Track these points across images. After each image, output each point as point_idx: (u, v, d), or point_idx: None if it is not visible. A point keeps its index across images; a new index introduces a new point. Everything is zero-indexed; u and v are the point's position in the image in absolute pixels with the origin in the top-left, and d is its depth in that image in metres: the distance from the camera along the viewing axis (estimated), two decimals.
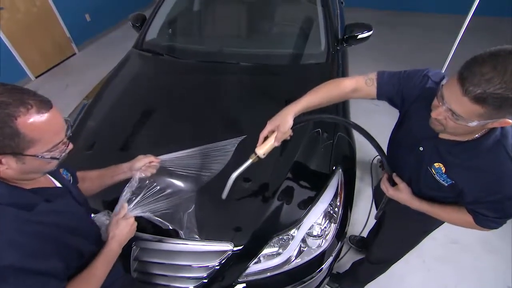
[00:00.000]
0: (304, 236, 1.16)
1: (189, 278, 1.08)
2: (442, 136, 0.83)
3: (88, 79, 2.06)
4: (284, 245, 1.16)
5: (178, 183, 1.06)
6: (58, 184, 0.78)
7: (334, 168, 1.33)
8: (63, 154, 0.68)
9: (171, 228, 1.00)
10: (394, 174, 1.01)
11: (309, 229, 1.16)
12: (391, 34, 4.40)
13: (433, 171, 0.87)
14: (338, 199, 1.24)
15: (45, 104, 0.61)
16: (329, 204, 1.20)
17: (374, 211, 2.06)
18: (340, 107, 1.60)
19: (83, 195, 0.87)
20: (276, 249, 1.15)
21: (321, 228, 1.17)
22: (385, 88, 0.94)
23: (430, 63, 3.34)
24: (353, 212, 2.09)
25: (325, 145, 1.41)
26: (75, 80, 3.77)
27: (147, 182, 0.99)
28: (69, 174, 0.88)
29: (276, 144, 0.96)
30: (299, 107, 0.95)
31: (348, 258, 1.89)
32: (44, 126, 0.60)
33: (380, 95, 0.96)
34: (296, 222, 1.15)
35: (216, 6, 2.24)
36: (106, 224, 0.88)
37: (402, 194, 0.98)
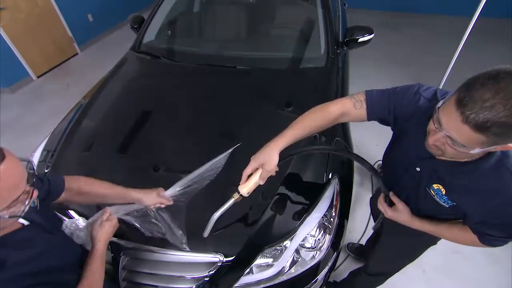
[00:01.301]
0: (297, 247, 1.13)
1: None
2: (440, 157, 0.78)
3: (89, 79, 2.06)
4: (277, 256, 1.12)
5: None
6: (24, 221, 0.69)
7: (330, 176, 1.29)
8: (26, 208, 0.58)
9: (150, 235, 0.99)
10: (391, 193, 0.94)
11: (303, 240, 1.13)
12: (394, 35, 4.34)
13: (433, 192, 0.83)
14: (333, 210, 1.20)
15: None
16: (324, 215, 1.17)
17: (373, 220, 2.03)
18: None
19: (51, 214, 0.82)
20: (269, 260, 1.12)
21: (315, 239, 1.14)
22: (375, 108, 0.88)
23: (433, 65, 3.31)
24: (351, 219, 2.05)
25: (322, 152, 1.37)
26: (76, 81, 3.77)
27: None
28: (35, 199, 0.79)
29: (261, 183, 0.90)
30: (284, 141, 0.88)
31: (346, 267, 1.85)
32: None
33: (371, 117, 0.90)
34: (289, 234, 1.11)
35: (214, 8, 2.21)
36: (80, 229, 0.86)
37: (401, 215, 0.92)
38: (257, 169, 0.89)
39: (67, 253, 0.77)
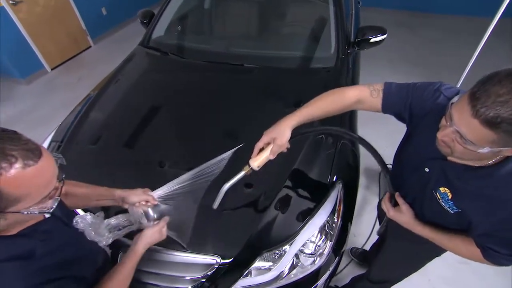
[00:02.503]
0: (297, 252, 1.11)
1: None
2: (451, 158, 0.75)
3: (101, 72, 2.09)
4: (276, 260, 1.11)
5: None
6: (46, 214, 0.70)
7: (335, 178, 1.26)
8: (55, 204, 0.59)
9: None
10: (396, 194, 0.92)
11: (303, 246, 1.10)
12: (410, 36, 4.21)
13: (438, 195, 0.79)
14: (336, 215, 1.18)
15: (32, 154, 0.51)
16: (326, 220, 1.14)
17: (378, 224, 1.98)
18: (347, 117, 1.52)
19: (66, 208, 0.82)
20: (267, 263, 1.11)
21: (315, 245, 1.11)
22: (391, 100, 0.86)
23: (450, 68, 3.20)
24: (357, 223, 2.03)
25: (327, 154, 1.34)
26: (88, 73, 3.83)
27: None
28: None
29: (271, 157, 0.91)
30: (298, 118, 0.90)
31: (348, 271, 1.82)
32: (31, 181, 0.51)
33: (386, 108, 0.88)
34: (288, 238, 1.09)
35: (224, 5, 2.19)
36: (89, 224, 0.86)
37: (403, 216, 0.90)
38: (268, 143, 0.90)
39: (82, 247, 0.78)
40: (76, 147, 1.42)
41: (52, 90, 3.62)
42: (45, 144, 1.54)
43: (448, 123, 0.64)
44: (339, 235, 1.21)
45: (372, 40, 1.75)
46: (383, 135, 2.71)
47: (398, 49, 3.82)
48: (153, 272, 1.06)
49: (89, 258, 0.77)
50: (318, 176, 1.27)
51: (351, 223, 1.31)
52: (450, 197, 0.76)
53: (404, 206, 0.90)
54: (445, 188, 0.77)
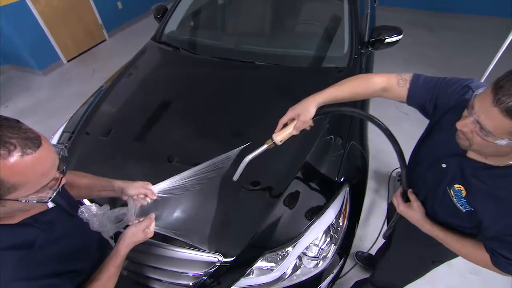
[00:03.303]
0: (300, 255, 1.10)
1: (176, 284, 1.05)
2: (470, 155, 0.74)
3: (114, 65, 2.13)
4: (278, 261, 1.10)
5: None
6: (50, 204, 0.70)
7: (342, 179, 1.24)
8: (54, 194, 0.59)
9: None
10: (409, 190, 0.91)
11: (306, 248, 1.09)
12: (427, 36, 4.08)
13: (452, 192, 0.78)
14: (341, 219, 1.15)
15: (31, 142, 0.51)
16: (331, 224, 1.12)
17: (386, 227, 1.94)
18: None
19: (72, 199, 0.82)
20: (270, 264, 1.10)
21: (318, 248, 1.10)
22: (418, 92, 0.85)
23: (469, 70, 3.06)
24: (364, 227, 1.99)
25: (335, 155, 1.32)
26: (102, 66, 3.89)
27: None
28: None
29: (295, 133, 0.93)
30: (323, 98, 0.91)
31: (353, 274, 1.79)
32: (30, 169, 0.52)
33: (411, 100, 0.87)
34: (291, 240, 1.08)
35: (237, 2, 2.17)
36: (94, 214, 0.86)
37: (414, 213, 0.88)
38: (293, 119, 0.92)
39: (85, 238, 0.78)
40: (86, 138, 1.45)
41: (67, 81, 3.71)
42: (57, 134, 1.58)
43: (468, 114, 0.63)
44: (344, 238, 1.19)
45: (387, 40, 1.70)
46: (400, 135, 2.66)
47: (414, 49, 3.71)
48: (155, 267, 1.07)
49: (91, 249, 0.77)
50: (325, 177, 1.25)
51: (357, 227, 1.29)
52: (464, 194, 0.75)
53: (415, 203, 0.88)
54: (460, 186, 0.76)
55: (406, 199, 0.92)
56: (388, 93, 0.90)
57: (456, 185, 0.76)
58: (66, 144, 1.45)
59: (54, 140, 1.54)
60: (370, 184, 2.28)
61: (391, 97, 0.91)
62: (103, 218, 0.90)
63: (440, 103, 0.82)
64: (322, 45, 1.81)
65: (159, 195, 0.94)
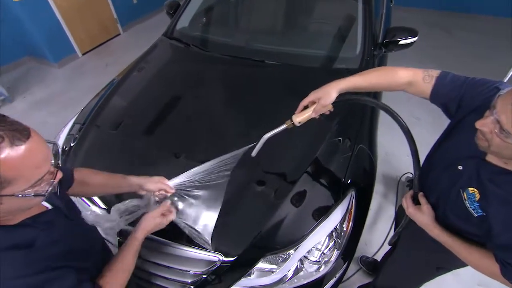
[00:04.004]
0: (302, 258, 1.09)
1: (175, 281, 1.06)
2: (489, 158, 0.71)
3: (127, 59, 2.16)
4: (279, 264, 1.09)
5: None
6: (48, 205, 0.71)
7: (349, 181, 1.22)
8: (50, 188, 0.58)
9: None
10: (420, 194, 0.90)
11: (308, 252, 1.08)
12: (445, 37, 3.96)
13: (465, 195, 0.75)
14: (345, 224, 1.14)
15: (20, 134, 0.50)
16: (334, 228, 1.10)
17: (393, 232, 1.91)
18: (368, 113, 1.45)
19: (68, 200, 0.82)
20: (271, 266, 1.09)
21: (320, 253, 1.08)
22: (443, 90, 0.83)
23: (487, 74, 2.91)
24: (370, 232, 1.96)
25: (343, 157, 1.29)
26: (115, 60, 3.95)
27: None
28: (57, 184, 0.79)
29: (314, 115, 0.95)
30: (345, 85, 0.91)
31: (356, 279, 1.77)
32: (22, 162, 0.51)
33: (434, 97, 0.85)
34: (294, 243, 1.07)
35: (248, 0, 2.15)
36: (100, 216, 0.89)
37: (423, 216, 0.86)
38: (313, 103, 0.94)
39: (84, 240, 0.77)
40: (96, 131, 1.48)
41: (81, 74, 3.78)
42: (69, 125, 1.61)
43: (490, 113, 0.62)
44: (348, 243, 1.17)
45: (401, 42, 1.65)
46: (406, 145, 2.60)
47: (430, 50, 3.61)
48: (155, 262, 1.07)
49: (94, 250, 0.78)
50: (331, 180, 1.23)
51: (361, 232, 1.27)
52: (477, 198, 0.73)
53: (425, 206, 0.87)
54: (475, 189, 0.74)
55: (416, 202, 0.91)
56: (411, 88, 0.88)
57: (470, 188, 0.74)
58: (77, 135, 1.48)
59: (65, 131, 1.57)
60: (378, 188, 2.24)
61: (414, 92, 0.89)
62: (111, 214, 0.92)
63: (464, 103, 0.79)
64: (333, 45, 1.77)
65: (177, 191, 1.00)
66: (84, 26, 4.06)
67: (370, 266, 1.78)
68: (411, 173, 2.16)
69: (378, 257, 1.78)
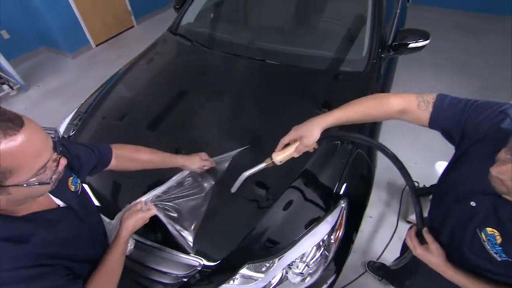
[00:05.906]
0: (286, 268, 1.06)
1: (156, 282, 1.05)
2: (506, 196, 0.60)
3: (138, 52, 2.21)
4: (263, 271, 1.06)
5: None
6: (60, 203, 0.70)
7: (342, 192, 1.16)
8: (54, 176, 0.58)
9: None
10: (425, 230, 0.79)
11: (292, 263, 1.04)
12: (468, 40, 3.71)
13: (484, 236, 0.65)
14: (333, 237, 1.09)
15: (12, 123, 0.50)
16: (321, 240, 1.06)
17: (393, 244, 1.84)
18: (367, 125, 1.39)
19: (91, 205, 0.84)
20: (254, 273, 1.06)
21: (304, 265, 1.05)
22: (442, 116, 0.74)
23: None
24: (370, 240, 1.90)
25: (338, 163, 1.23)
26: (126, 52, 3.98)
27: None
28: (78, 183, 0.79)
29: (295, 155, 0.89)
30: (331, 120, 0.84)
31: (360, 283, 1.71)
32: (20, 151, 0.50)
33: (434, 125, 0.76)
34: (278, 253, 1.04)
35: None
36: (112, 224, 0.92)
37: (433, 257, 0.77)
38: (295, 140, 0.87)
39: (90, 245, 0.77)
40: (95, 120, 1.52)
41: (94, 65, 3.85)
42: (71, 115, 1.65)
43: (508, 157, 0.53)
44: (337, 254, 1.12)
45: (412, 45, 1.55)
46: (415, 149, 2.48)
47: (447, 54, 3.41)
48: (139, 262, 1.07)
49: (93, 257, 0.76)
50: (322, 189, 1.18)
51: (353, 242, 1.22)
52: (499, 241, 0.63)
53: (433, 245, 0.77)
54: (494, 230, 0.64)
55: (421, 239, 0.81)
56: (406, 116, 0.80)
57: (488, 229, 0.64)
58: (77, 123, 1.52)
59: (67, 120, 1.61)
60: (382, 196, 2.16)
61: (410, 120, 0.80)
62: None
63: (468, 131, 0.70)
64: (339, 47, 1.69)
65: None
66: (99, 18, 4.12)
67: (380, 271, 1.70)
68: (417, 182, 2.06)
69: (382, 260, 1.74)
